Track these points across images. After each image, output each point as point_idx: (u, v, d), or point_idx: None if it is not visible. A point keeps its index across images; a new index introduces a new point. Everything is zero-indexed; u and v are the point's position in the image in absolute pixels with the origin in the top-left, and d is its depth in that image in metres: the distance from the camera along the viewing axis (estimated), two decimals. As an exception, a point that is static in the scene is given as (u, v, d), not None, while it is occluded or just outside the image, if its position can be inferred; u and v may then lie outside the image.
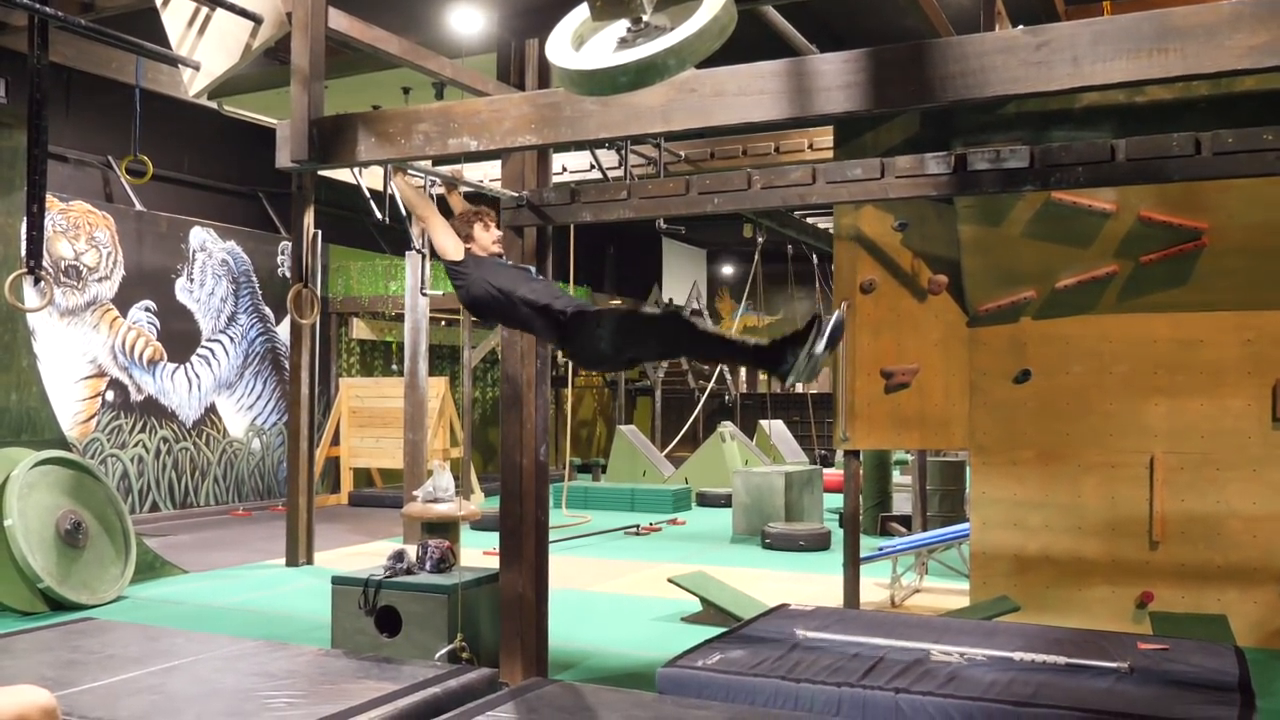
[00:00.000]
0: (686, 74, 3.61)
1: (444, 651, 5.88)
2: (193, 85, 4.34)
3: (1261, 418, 6.98)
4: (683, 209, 5.39)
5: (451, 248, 4.72)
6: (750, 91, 3.54)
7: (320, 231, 10.91)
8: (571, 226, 7.50)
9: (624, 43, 2.66)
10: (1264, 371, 6.97)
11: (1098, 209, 7.03)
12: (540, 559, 5.87)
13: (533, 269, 5.02)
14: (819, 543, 11.20)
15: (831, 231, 15.58)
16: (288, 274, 16.19)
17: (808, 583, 9.23)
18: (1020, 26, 3.50)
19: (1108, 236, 7.10)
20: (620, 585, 9.31)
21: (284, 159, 4.24)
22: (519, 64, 5.76)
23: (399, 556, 6.40)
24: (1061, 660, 5.20)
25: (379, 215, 10.18)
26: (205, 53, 4.23)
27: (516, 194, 5.68)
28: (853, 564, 7.56)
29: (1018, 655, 5.27)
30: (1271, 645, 6.70)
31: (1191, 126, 4.93)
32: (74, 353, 13.17)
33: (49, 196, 12.45)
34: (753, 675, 4.99)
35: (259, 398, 16.05)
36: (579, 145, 6.93)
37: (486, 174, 5.95)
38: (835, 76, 3.41)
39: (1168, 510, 7.08)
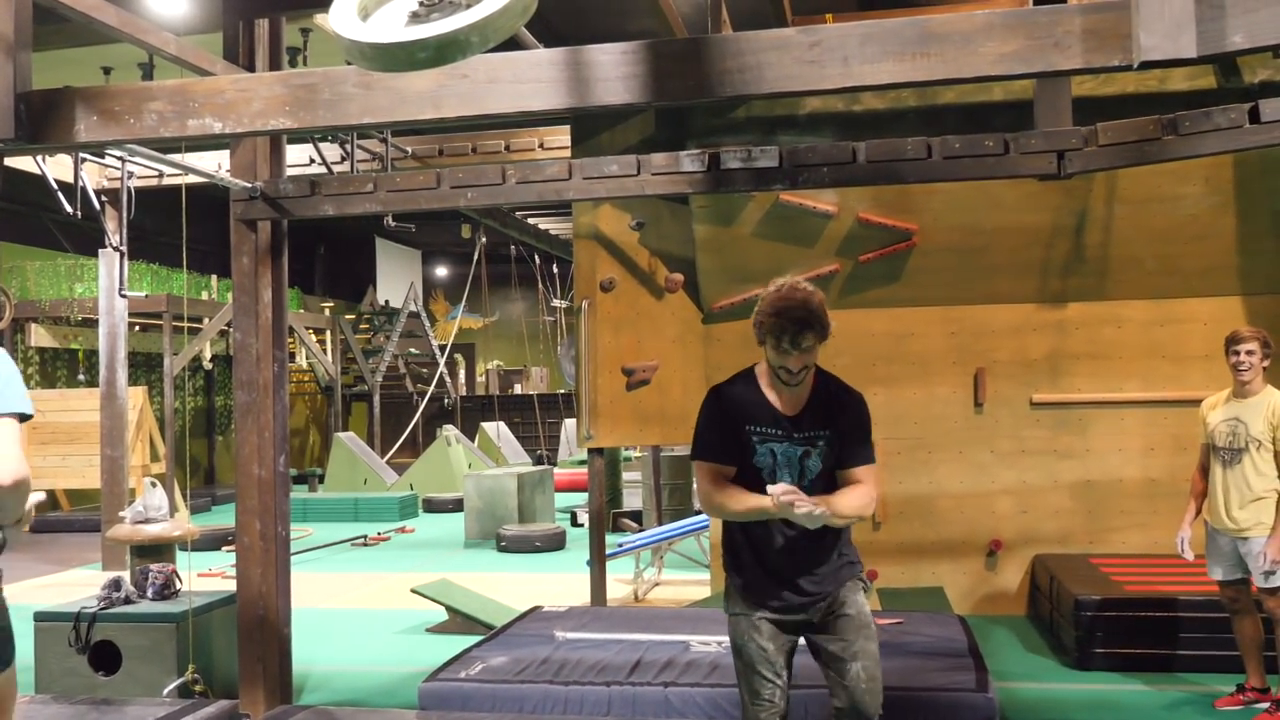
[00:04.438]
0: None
1: (174, 686, 5.35)
2: None
3: (965, 404, 7.62)
4: (434, 203, 5.20)
5: None
6: (526, 79, 3.44)
7: (-4, 227, 9.72)
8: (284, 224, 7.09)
9: (416, 17, 2.49)
10: (966, 361, 7.62)
11: (821, 210, 7.42)
12: (282, 577, 5.48)
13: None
14: (555, 543, 11.21)
15: (555, 232, 15.74)
16: (-51, 276, 14.36)
17: (549, 583, 9.19)
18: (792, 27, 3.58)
19: (830, 236, 7.52)
20: (356, 599, 8.89)
21: (-18, 137, 3.69)
22: (249, 44, 5.34)
23: (115, 585, 5.78)
24: (812, 640, 5.43)
25: (69, 209, 9.23)
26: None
27: (249, 185, 5.27)
28: (599, 561, 7.58)
29: (771, 639, 5.45)
30: (980, 611, 7.32)
31: (902, 135, 5.27)
32: None
33: None
34: (519, 682, 4.88)
35: (-86, 416, 14.10)
36: (338, 131, 6.51)
37: (222, 163, 5.46)
38: (614, 67, 3.37)
39: (888, 492, 7.58)
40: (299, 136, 9.35)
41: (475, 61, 3.43)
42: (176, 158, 5.54)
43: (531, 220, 15.10)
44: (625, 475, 13.75)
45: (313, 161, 9.66)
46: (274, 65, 5.42)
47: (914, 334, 7.70)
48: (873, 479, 3.37)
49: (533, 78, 3.41)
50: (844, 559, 3.49)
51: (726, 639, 5.40)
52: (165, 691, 5.35)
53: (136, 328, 16.20)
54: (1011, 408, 7.60)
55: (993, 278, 7.47)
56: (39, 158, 9.37)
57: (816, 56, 3.25)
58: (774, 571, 3.40)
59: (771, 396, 3.34)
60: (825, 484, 3.34)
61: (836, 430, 3.32)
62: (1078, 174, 4.87)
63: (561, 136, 9.52)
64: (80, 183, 9.42)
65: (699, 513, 10.30)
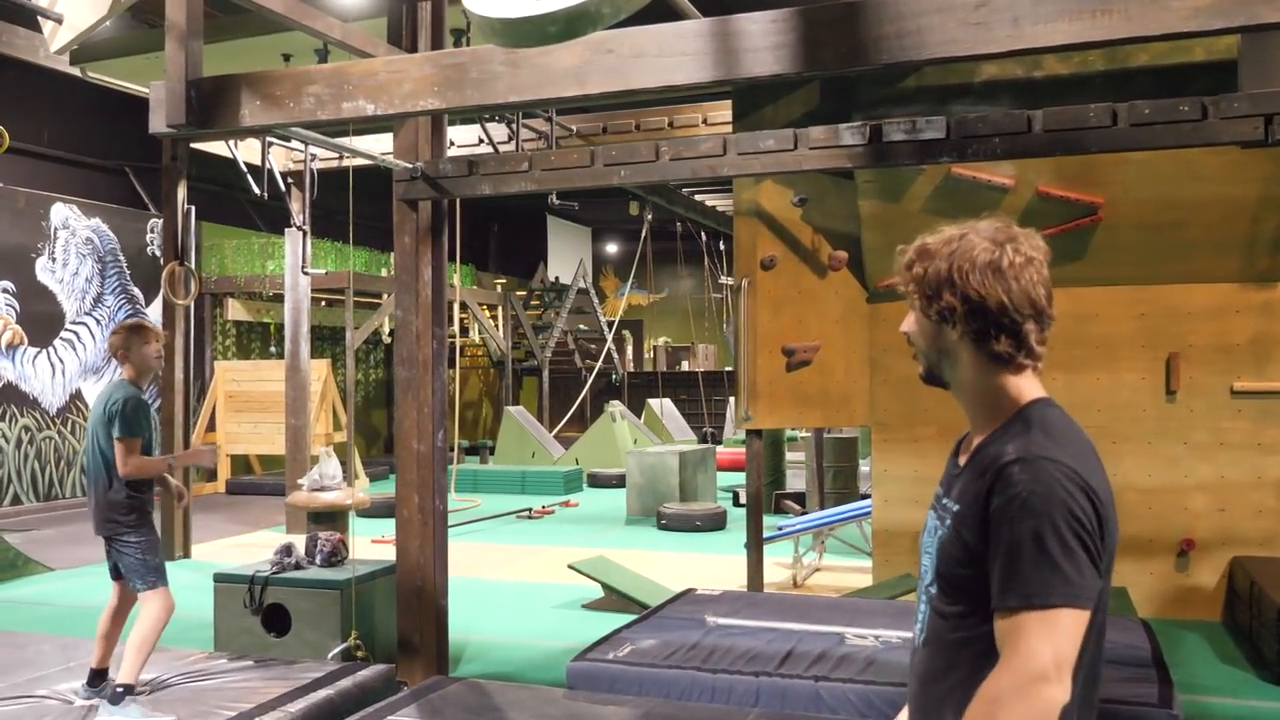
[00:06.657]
0: (602, 34, 3.36)
1: (338, 650, 5.54)
2: (54, 40, 3.90)
3: (1155, 391, 7.09)
4: (588, 181, 5.15)
5: None
6: (671, 53, 3.32)
7: (194, 208, 10.28)
8: (458, 203, 7.20)
9: (548, -11, 2.42)
10: (1158, 345, 7.09)
11: (997, 184, 7.02)
12: (440, 550, 5.58)
13: None
14: (715, 523, 11.12)
15: (720, 209, 15.59)
16: (158, 253, 15.35)
17: (707, 564, 9.11)
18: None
19: (1006, 211, 7.05)
20: (517, 571, 9.04)
21: (158, 123, 3.85)
22: (411, 27, 5.41)
23: (287, 550, 6.02)
24: (975, 639, 5.16)
25: (257, 191, 9.66)
26: (68, 5, 3.80)
27: (410, 165, 5.34)
28: (756, 545, 7.45)
29: (932, 635, 5.21)
30: (1166, 615, 6.83)
31: (1088, 101, 4.89)
32: (-81, 338, 12.23)
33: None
34: (666, 666, 4.81)
35: (127, 383, 15.18)
36: (485, 110, 6.57)
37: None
38: (763, 37, 3.21)
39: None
40: (468, 117, 9.51)
41: (620, 35, 3.33)
42: (344, 141, 5.67)
43: (698, 196, 14.97)
44: (789, 455, 13.53)
45: (481, 141, 9.81)
46: (436, 47, 5.46)
47: (1099, 315, 7.20)
48: (1030, 645, 1.54)
49: (678, 50, 3.29)
50: None
51: (883, 633, 5.21)
52: (330, 655, 5.54)
53: (323, 303, 16.96)
54: (1209, 397, 7.02)
55: (1189, 255, 6.90)
56: (230, 142, 9.88)
57: (983, 18, 3.00)
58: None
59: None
60: (951, 599, 1.72)
61: (968, 513, 1.69)
62: (1288, 141, 4.41)
63: (725, 112, 9.35)
64: (267, 165, 9.86)
65: (864, 496, 10.02)
